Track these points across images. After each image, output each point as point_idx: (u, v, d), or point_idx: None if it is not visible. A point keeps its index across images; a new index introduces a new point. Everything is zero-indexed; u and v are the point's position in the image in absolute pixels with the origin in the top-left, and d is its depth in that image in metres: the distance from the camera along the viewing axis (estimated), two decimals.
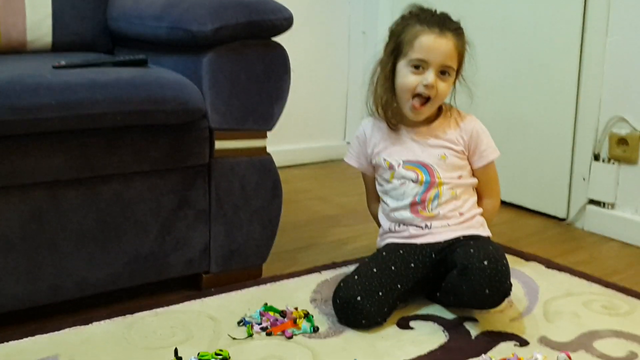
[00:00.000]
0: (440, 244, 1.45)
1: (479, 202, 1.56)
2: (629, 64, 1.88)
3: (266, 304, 1.41)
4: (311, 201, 2.28)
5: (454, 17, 1.50)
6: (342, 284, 1.37)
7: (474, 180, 1.55)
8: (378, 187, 1.59)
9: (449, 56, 1.45)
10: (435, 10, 1.49)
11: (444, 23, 1.46)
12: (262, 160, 1.53)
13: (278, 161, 1.57)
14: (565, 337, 1.34)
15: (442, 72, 1.46)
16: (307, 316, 1.38)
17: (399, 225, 1.50)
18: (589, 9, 1.96)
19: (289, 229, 1.94)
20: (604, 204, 1.98)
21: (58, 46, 1.73)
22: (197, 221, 1.47)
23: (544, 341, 1.32)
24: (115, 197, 1.37)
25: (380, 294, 1.34)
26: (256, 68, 1.49)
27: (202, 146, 1.44)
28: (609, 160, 1.96)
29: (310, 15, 2.70)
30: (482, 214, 1.54)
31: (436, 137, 1.52)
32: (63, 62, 1.39)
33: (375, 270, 1.38)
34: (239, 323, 1.35)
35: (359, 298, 1.32)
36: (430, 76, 1.44)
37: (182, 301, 1.44)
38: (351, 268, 1.56)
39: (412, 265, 1.42)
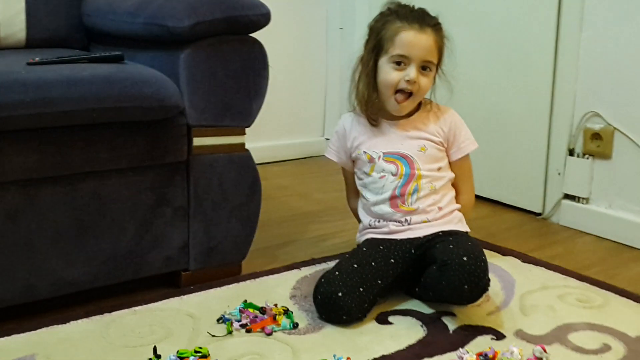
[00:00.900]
0: (419, 239, 1.46)
1: (456, 198, 1.57)
2: (603, 60, 1.91)
3: (245, 301, 1.41)
4: (290, 197, 2.28)
5: (432, 13, 1.51)
6: (323, 280, 1.37)
7: (452, 175, 1.56)
8: (357, 181, 1.60)
9: (429, 51, 1.47)
10: (414, 6, 1.50)
11: (423, 19, 1.47)
12: (241, 157, 1.53)
13: (256, 158, 1.57)
14: (540, 330, 1.36)
15: (423, 68, 1.48)
16: (286, 312, 1.38)
17: (379, 221, 1.51)
18: (563, 4, 1.99)
19: (268, 225, 1.94)
20: (578, 198, 2.01)
21: (32, 42, 1.71)
22: (176, 218, 1.47)
23: (520, 334, 1.34)
24: (91, 195, 1.35)
25: (361, 289, 1.35)
26: (234, 64, 1.48)
27: (180, 143, 1.43)
28: (584, 155, 1.98)
29: (288, 11, 2.70)
30: (459, 210, 1.56)
31: (416, 129, 1.53)
32: (37, 59, 1.37)
33: (356, 266, 1.39)
34: (218, 320, 1.35)
35: (340, 294, 1.33)
36: (412, 72, 1.46)
37: (161, 299, 1.43)
38: (331, 264, 1.56)
39: (392, 260, 1.43)
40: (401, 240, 1.47)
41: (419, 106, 1.57)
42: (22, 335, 1.26)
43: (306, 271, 1.61)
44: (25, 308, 1.35)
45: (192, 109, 1.44)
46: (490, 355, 1.21)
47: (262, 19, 1.50)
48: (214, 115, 1.47)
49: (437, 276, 1.35)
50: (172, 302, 1.43)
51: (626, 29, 1.85)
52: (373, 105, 1.54)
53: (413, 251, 1.45)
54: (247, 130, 1.54)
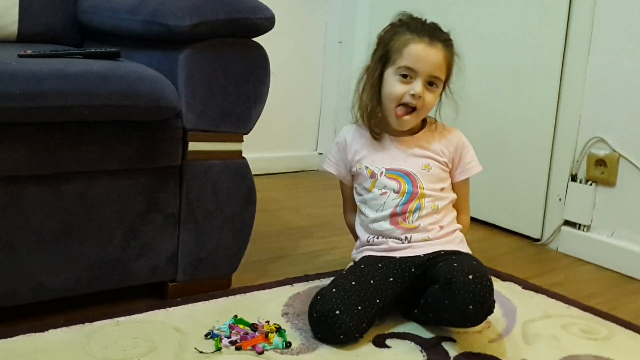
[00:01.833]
0: (420, 257, 1.40)
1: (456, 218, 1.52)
2: (610, 85, 1.87)
3: (236, 317, 1.33)
4: (282, 211, 2.21)
5: (443, 28, 1.46)
6: (319, 297, 1.30)
7: (454, 196, 1.51)
8: (357, 197, 1.53)
9: (437, 67, 1.42)
10: (426, 20, 1.45)
11: (434, 33, 1.42)
12: (237, 165, 1.46)
13: None
14: None
15: (430, 83, 1.42)
16: (279, 330, 1.30)
17: (378, 238, 1.45)
18: (571, 27, 1.95)
19: (259, 239, 1.87)
20: (579, 225, 1.96)
21: (24, 37, 1.64)
22: (166, 226, 1.39)
23: None
24: (79, 196, 1.28)
25: (360, 308, 1.28)
26: (235, 68, 1.42)
27: (175, 147, 1.36)
28: (587, 181, 1.94)
29: (287, 22, 2.65)
30: (461, 230, 1.50)
31: (420, 147, 1.48)
32: (29, 51, 1.30)
33: (354, 283, 1.32)
34: (206, 336, 1.27)
35: (337, 312, 1.26)
36: (417, 86, 1.40)
37: (146, 310, 1.35)
38: (324, 281, 1.50)
39: (391, 279, 1.36)
40: (401, 258, 1.41)
41: (423, 124, 1.52)
42: None
43: (299, 287, 1.54)
44: (1, 313, 1.26)
45: (189, 111, 1.37)
46: None
47: (266, 23, 1.44)
48: (212, 119, 1.41)
49: (440, 295, 1.29)
50: (157, 314, 1.35)
51: (635, 55, 1.81)
52: (376, 117, 1.48)
53: (413, 270, 1.39)
54: None
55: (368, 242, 1.47)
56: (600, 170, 1.90)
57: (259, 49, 1.46)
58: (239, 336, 1.27)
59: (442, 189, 1.47)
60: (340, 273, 1.40)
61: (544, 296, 1.61)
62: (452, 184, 1.52)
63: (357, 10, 2.73)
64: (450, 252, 1.39)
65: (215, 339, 1.26)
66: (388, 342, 1.33)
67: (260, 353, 1.24)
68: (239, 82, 1.43)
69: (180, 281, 1.44)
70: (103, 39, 1.63)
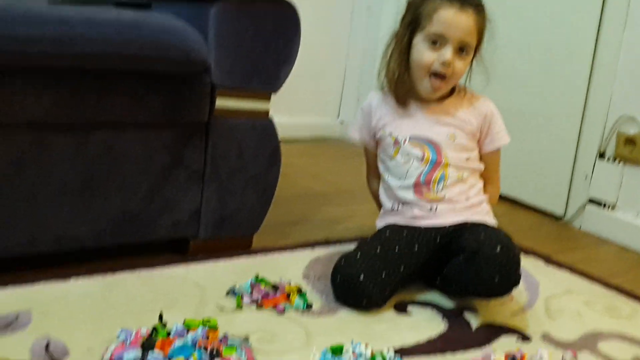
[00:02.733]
0: (445, 228, 1.37)
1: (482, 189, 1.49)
2: None
3: (257, 276, 1.32)
4: (303, 177, 2.20)
5: None
6: (343, 261, 1.28)
7: (481, 166, 1.48)
8: (380, 165, 1.51)
9: (468, 32, 1.37)
10: None
11: None
12: (264, 125, 1.44)
13: None
14: (568, 336, 1.28)
15: (460, 50, 1.39)
16: (300, 292, 1.29)
17: (402, 205, 1.42)
18: (608, 1, 1.90)
19: (280, 202, 1.84)
20: (604, 204, 1.93)
21: None
22: (190, 182, 1.38)
23: (547, 338, 1.26)
24: (104, 148, 1.26)
25: (384, 274, 1.27)
26: (266, 25, 1.39)
27: (202, 102, 1.34)
28: (614, 159, 1.90)
29: None
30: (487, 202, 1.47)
31: (447, 115, 1.44)
32: None
33: (379, 250, 1.30)
34: (227, 293, 1.27)
35: (361, 277, 1.24)
36: (447, 53, 1.37)
37: (167, 265, 1.34)
38: (345, 247, 1.48)
39: (416, 248, 1.34)
40: (426, 227, 1.38)
41: (452, 91, 1.48)
42: (19, 288, 1.17)
43: (320, 252, 1.53)
44: (24, 262, 1.26)
45: (217, 67, 1.35)
46: (519, 357, 1.13)
47: None
48: (240, 76, 1.38)
49: (464, 267, 1.27)
50: (178, 269, 1.34)
51: None
52: (403, 84, 1.44)
53: (438, 240, 1.37)
54: None
55: (392, 209, 1.45)
56: (629, 148, 1.86)
57: (291, 8, 1.43)
58: (260, 295, 1.26)
59: (467, 159, 1.44)
60: (363, 239, 1.38)
61: (567, 272, 1.59)
62: (481, 154, 1.48)
63: None
64: (477, 224, 1.37)
65: (237, 296, 1.25)
66: (409, 309, 1.31)
67: (281, 313, 1.23)
68: (269, 40, 1.40)
69: (201, 238, 1.43)
70: None
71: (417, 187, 1.41)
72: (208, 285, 1.29)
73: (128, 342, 1.02)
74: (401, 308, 1.31)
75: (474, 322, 1.29)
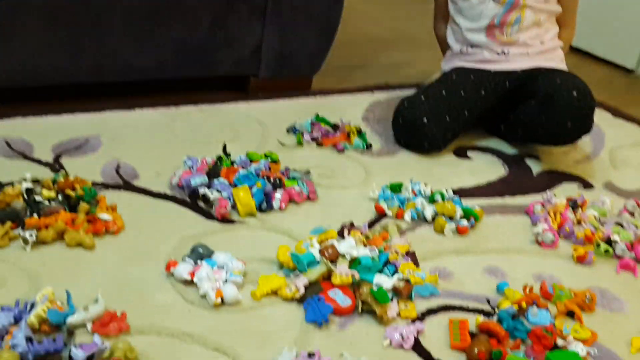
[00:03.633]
0: (516, 72, 1.32)
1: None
2: None
3: (318, 115, 1.32)
4: (364, 22, 2.12)
5: None
6: (406, 104, 1.26)
7: (559, 8, 1.38)
8: (451, 6, 1.43)
9: None
10: None
11: None
12: None
13: None
14: (632, 186, 1.25)
15: None
16: (359, 132, 1.29)
17: (472, 48, 1.36)
18: None
19: (341, 46, 1.79)
20: None
21: None
22: (251, 18, 1.34)
23: (610, 186, 1.24)
24: None
25: (447, 118, 1.24)
26: None
27: None
28: None
29: None
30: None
31: None
32: None
33: (444, 93, 1.26)
34: (288, 130, 1.27)
35: (425, 120, 1.22)
36: None
37: (229, 101, 1.35)
38: (405, 92, 1.45)
39: (483, 92, 1.30)
40: (495, 72, 1.33)
41: None
42: (87, 115, 1.20)
43: (380, 95, 1.50)
44: (90, 90, 1.28)
45: None
46: (580, 203, 1.12)
47: None
48: None
49: (537, 111, 1.23)
50: (240, 106, 1.34)
51: None
52: None
53: (507, 84, 1.32)
54: None
55: (461, 52, 1.38)
56: None
57: None
58: (320, 133, 1.26)
59: (546, 0, 1.35)
60: (427, 83, 1.35)
61: (635, 125, 1.53)
62: None
63: None
64: (550, 69, 1.31)
65: (297, 133, 1.25)
66: (469, 153, 1.30)
67: (341, 151, 1.23)
68: None
69: (262, 77, 1.41)
70: None
71: (490, 29, 1.34)
72: (269, 122, 1.30)
73: (194, 168, 1.05)
74: (461, 153, 1.30)
75: (536, 168, 1.27)
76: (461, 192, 1.14)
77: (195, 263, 0.84)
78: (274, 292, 0.83)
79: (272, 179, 1.04)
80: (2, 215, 0.87)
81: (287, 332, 0.78)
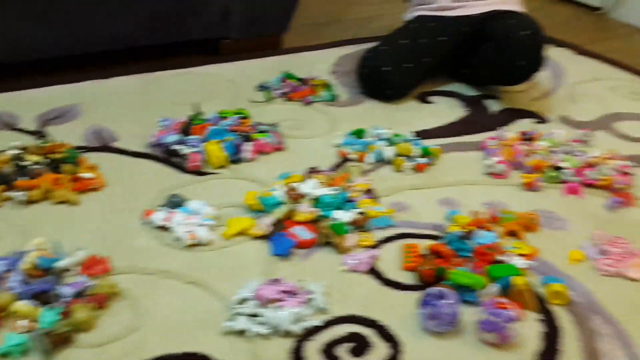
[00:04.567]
0: (474, 17, 1.38)
1: None
2: None
3: (286, 72, 1.39)
4: None
5: None
6: (369, 54, 1.32)
7: None
8: None
9: None
10: None
11: None
12: None
13: None
14: (586, 117, 1.32)
15: None
16: (327, 85, 1.36)
17: None
18: None
19: (310, 3, 1.86)
20: None
21: None
22: None
23: (565, 120, 1.31)
24: None
25: (409, 65, 1.31)
26: None
27: None
28: None
29: None
30: None
31: None
32: None
33: (404, 41, 1.33)
34: (258, 88, 1.34)
35: (387, 68, 1.29)
36: None
37: (201, 64, 1.42)
38: (374, 45, 1.51)
39: (443, 38, 1.36)
40: (454, 17, 1.39)
41: None
42: (66, 86, 1.28)
43: (349, 49, 1.57)
44: (68, 61, 1.35)
45: None
46: (533, 136, 1.19)
47: None
48: None
49: (494, 52, 1.29)
50: (212, 68, 1.41)
51: None
52: None
53: (466, 29, 1.38)
54: None
55: (421, 1, 1.44)
56: None
57: None
58: (289, 89, 1.33)
59: None
60: (390, 33, 1.41)
61: (597, 61, 1.60)
62: None
63: None
64: (506, 12, 1.37)
65: (267, 90, 1.33)
66: (432, 98, 1.37)
67: (309, 104, 1.31)
68: None
69: (232, 39, 1.48)
70: None
71: None
72: (241, 82, 1.37)
73: (169, 127, 1.13)
74: (424, 98, 1.37)
75: (495, 107, 1.34)
76: (422, 134, 1.22)
77: (170, 211, 0.93)
78: (244, 232, 0.92)
79: (241, 133, 1.12)
80: None
81: (255, 266, 0.87)
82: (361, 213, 0.95)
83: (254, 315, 0.77)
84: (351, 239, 0.91)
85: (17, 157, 1.00)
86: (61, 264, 0.80)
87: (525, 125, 1.28)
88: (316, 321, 0.77)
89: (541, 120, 1.30)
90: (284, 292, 0.79)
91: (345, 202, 0.97)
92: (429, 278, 0.84)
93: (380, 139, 1.16)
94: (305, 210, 0.94)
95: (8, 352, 0.70)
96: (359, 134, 1.18)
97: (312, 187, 0.97)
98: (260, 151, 1.12)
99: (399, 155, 1.12)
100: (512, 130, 1.23)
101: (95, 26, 1.31)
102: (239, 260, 0.87)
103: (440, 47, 1.37)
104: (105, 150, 1.09)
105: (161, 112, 1.21)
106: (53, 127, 1.15)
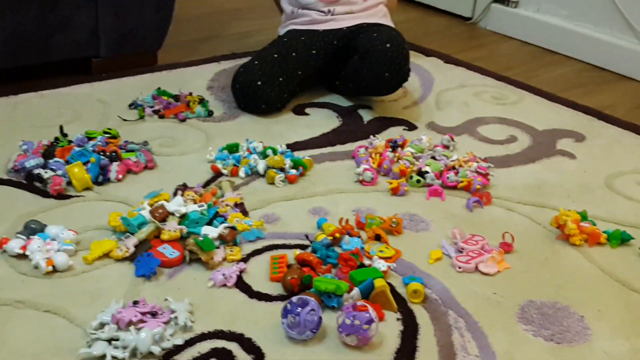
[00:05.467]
0: (342, 30, 1.42)
1: None
2: None
3: (159, 88, 1.38)
4: None
5: None
6: (242, 69, 1.34)
7: None
8: None
9: None
10: None
11: None
12: None
13: None
14: (451, 123, 1.39)
15: None
16: (202, 101, 1.36)
17: (302, 9, 1.45)
18: None
19: (189, 20, 1.86)
20: (508, 2, 1.98)
21: None
22: (82, 0, 1.37)
23: (432, 126, 1.37)
24: None
25: (281, 79, 1.33)
26: None
27: None
28: None
29: None
30: (385, 5, 1.51)
31: None
32: None
33: (276, 55, 1.35)
34: (130, 106, 1.32)
35: (259, 83, 1.30)
36: None
37: (70, 84, 1.38)
38: None
39: (314, 51, 1.39)
40: (324, 31, 1.43)
41: None
42: None
43: (226, 65, 1.57)
44: None
45: None
46: (400, 142, 1.24)
47: None
48: None
49: (359, 65, 1.34)
50: (82, 87, 1.38)
51: None
52: None
53: (335, 42, 1.42)
54: None
55: (292, 14, 1.47)
56: None
57: None
58: (161, 105, 1.32)
59: None
60: (262, 48, 1.43)
61: (463, 69, 1.68)
62: None
63: None
64: (372, 25, 1.42)
65: (139, 108, 1.31)
66: (307, 110, 1.40)
67: (183, 120, 1.30)
68: None
69: (103, 57, 1.45)
70: None
71: None
72: (112, 101, 1.34)
73: (30, 151, 1.09)
74: (299, 110, 1.39)
75: (367, 117, 1.39)
76: (296, 146, 1.24)
77: (28, 238, 0.90)
78: (106, 255, 0.90)
79: (108, 153, 1.10)
80: None
81: (117, 288, 0.85)
82: (230, 227, 0.95)
83: (114, 339, 0.75)
84: (219, 254, 0.91)
85: None
86: None
87: (395, 133, 1.32)
88: (178, 340, 0.77)
89: (411, 127, 1.36)
90: (145, 313, 0.78)
91: (215, 218, 0.98)
92: (294, 287, 0.86)
93: (253, 153, 1.17)
94: (171, 228, 0.93)
95: None
96: (232, 148, 1.18)
97: (178, 204, 0.97)
98: (129, 171, 1.10)
99: (271, 167, 1.13)
100: (382, 139, 1.27)
101: None
102: (101, 284, 0.86)
103: (312, 60, 1.40)
104: None
105: (26, 134, 1.17)
106: None
